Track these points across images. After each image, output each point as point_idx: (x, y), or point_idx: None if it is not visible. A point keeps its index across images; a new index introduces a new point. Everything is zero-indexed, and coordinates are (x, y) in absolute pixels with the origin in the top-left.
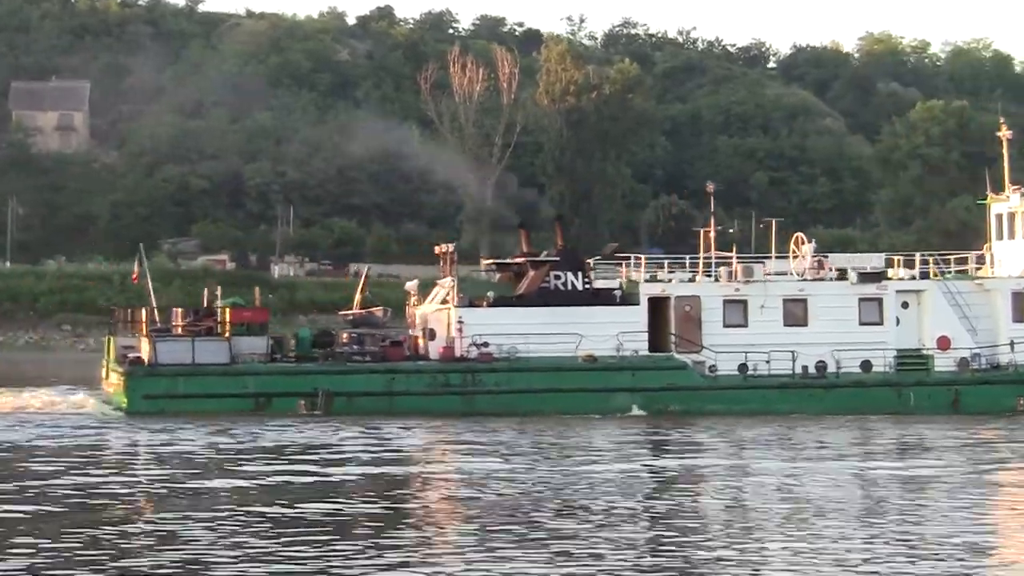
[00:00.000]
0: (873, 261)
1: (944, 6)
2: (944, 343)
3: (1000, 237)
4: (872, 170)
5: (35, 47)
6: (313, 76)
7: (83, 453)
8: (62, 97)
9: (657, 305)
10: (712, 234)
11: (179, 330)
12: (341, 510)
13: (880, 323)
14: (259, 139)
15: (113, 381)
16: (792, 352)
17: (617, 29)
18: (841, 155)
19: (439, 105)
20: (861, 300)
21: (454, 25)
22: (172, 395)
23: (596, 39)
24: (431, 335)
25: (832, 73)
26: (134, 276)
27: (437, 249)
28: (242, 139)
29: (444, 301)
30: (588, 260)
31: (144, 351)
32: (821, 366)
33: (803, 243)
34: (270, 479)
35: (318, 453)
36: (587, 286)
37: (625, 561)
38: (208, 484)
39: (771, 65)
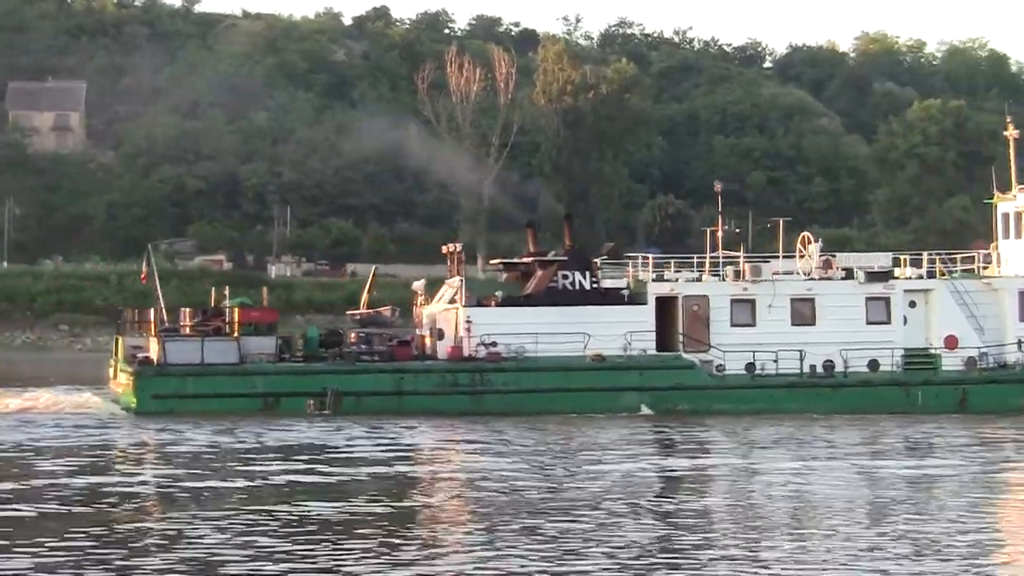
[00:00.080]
0: (880, 260)
1: (940, 6)
2: (951, 342)
3: (1007, 236)
4: (869, 170)
5: (31, 47)
6: (309, 76)
7: (106, 453)
8: (58, 97)
9: (665, 304)
10: (719, 233)
11: (187, 330)
12: (352, 510)
13: (887, 322)
14: (255, 140)
15: (122, 381)
16: (800, 351)
17: (613, 29)
18: (837, 155)
19: (436, 105)
20: (868, 299)
21: (450, 25)
22: (181, 395)
23: (592, 39)
24: (439, 335)
25: (828, 73)
26: (143, 276)
27: (445, 249)
28: (238, 140)
29: (452, 301)
30: (597, 260)
31: (153, 351)
32: (829, 365)
33: (810, 242)
34: (297, 477)
35: (330, 452)
36: (595, 286)
37: (631, 560)
38: (227, 484)
39: (767, 65)
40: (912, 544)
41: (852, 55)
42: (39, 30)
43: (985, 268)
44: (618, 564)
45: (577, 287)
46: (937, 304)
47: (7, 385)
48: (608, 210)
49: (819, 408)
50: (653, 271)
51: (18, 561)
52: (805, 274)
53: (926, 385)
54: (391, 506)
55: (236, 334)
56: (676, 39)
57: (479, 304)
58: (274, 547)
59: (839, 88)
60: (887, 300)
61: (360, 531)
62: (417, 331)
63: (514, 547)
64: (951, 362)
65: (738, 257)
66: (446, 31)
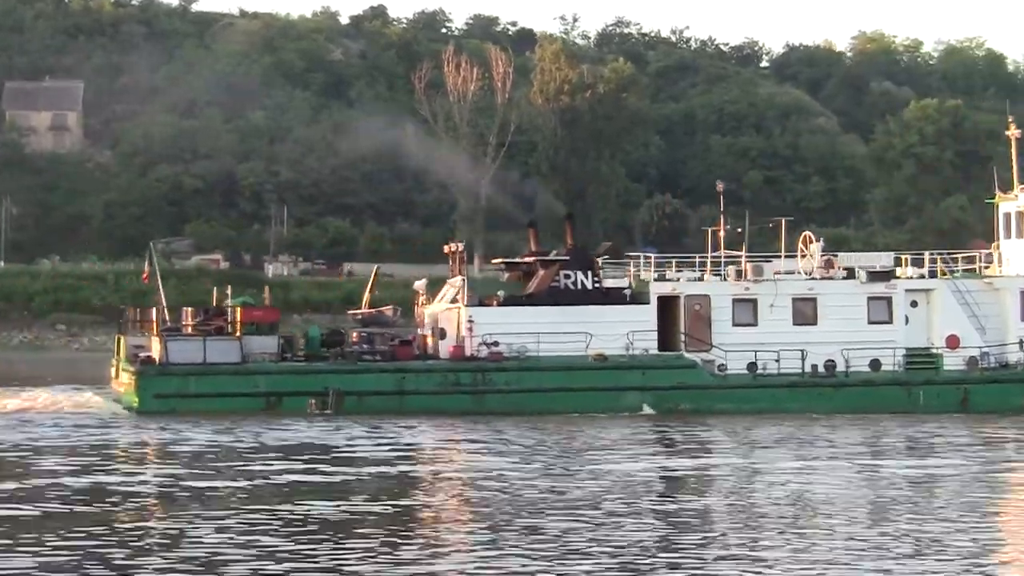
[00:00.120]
0: (882, 260)
1: (937, 5)
2: (953, 342)
3: (1008, 236)
4: (866, 169)
5: (29, 47)
6: (306, 76)
7: (108, 452)
8: (56, 97)
9: (667, 304)
10: (721, 233)
11: (189, 329)
12: (353, 509)
13: (889, 322)
14: (252, 139)
15: (124, 380)
16: (801, 351)
17: (610, 28)
18: (834, 154)
19: (433, 105)
20: (870, 299)
21: (447, 25)
22: (183, 394)
23: (589, 38)
24: (441, 334)
25: (825, 72)
26: (144, 276)
27: (446, 248)
28: (235, 139)
29: (454, 300)
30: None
31: (155, 350)
32: (830, 365)
33: (811, 242)
34: (299, 477)
35: (332, 452)
36: (597, 285)
37: (632, 560)
38: (229, 484)
39: (764, 64)
40: (913, 544)
41: (849, 54)
42: (36, 30)
43: (986, 268)
44: (619, 564)
45: (579, 287)
46: (939, 304)
47: (5, 385)
48: (605, 209)
49: (821, 408)
50: (655, 271)
51: (19, 560)
52: (807, 274)
53: (928, 385)
54: (392, 505)
55: (238, 334)
56: (673, 39)
57: (481, 304)
58: (276, 546)
59: (836, 87)
60: (889, 300)
61: (362, 531)
62: (419, 331)
63: (516, 547)
64: (953, 362)
65: (740, 257)
66: (443, 30)
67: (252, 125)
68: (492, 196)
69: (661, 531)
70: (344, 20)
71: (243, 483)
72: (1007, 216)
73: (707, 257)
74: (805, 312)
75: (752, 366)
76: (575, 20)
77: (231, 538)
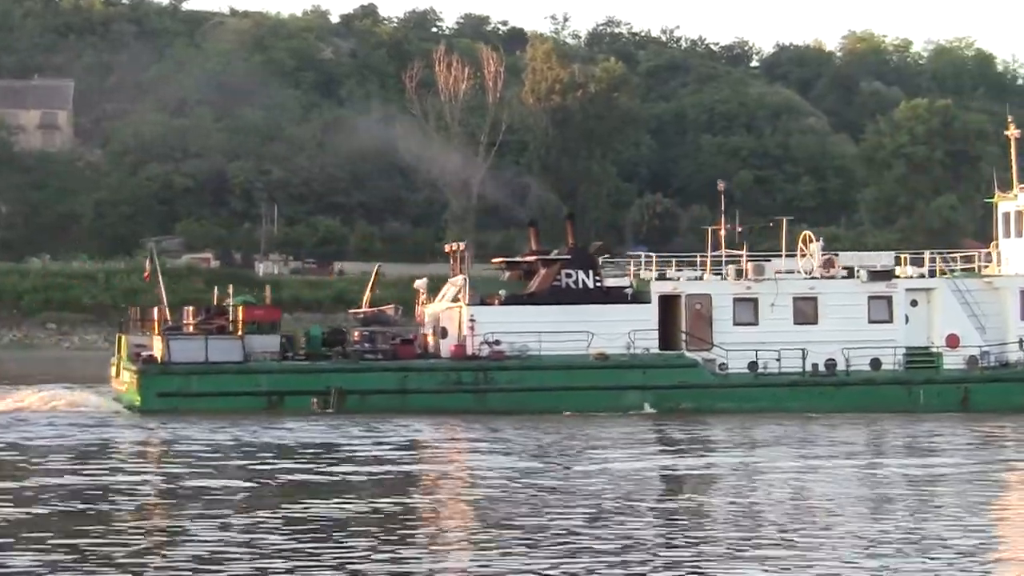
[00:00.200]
0: (882, 260)
1: (926, 5)
2: (953, 341)
3: (1008, 235)
4: (856, 169)
5: (18, 45)
6: (297, 74)
7: (108, 451)
8: (45, 95)
9: (668, 303)
10: (722, 232)
11: (191, 328)
12: (356, 508)
13: (889, 321)
14: (243, 137)
15: (125, 379)
16: (802, 350)
17: (601, 28)
18: (825, 154)
19: (424, 104)
20: (871, 298)
21: (438, 24)
22: (185, 393)
23: (580, 38)
24: (443, 333)
25: (815, 72)
26: (145, 275)
27: (448, 247)
28: (226, 137)
29: (455, 299)
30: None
31: (157, 349)
32: (831, 364)
33: (811, 241)
34: (301, 476)
35: (333, 451)
36: (598, 284)
37: (633, 559)
38: (230, 483)
39: (754, 64)
40: (914, 543)
41: (839, 54)
42: (26, 28)
43: (986, 267)
44: (620, 562)
45: (580, 286)
46: (939, 303)
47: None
48: (596, 209)
49: (821, 407)
50: (655, 270)
51: (20, 560)
52: (807, 273)
53: (928, 384)
54: (394, 504)
55: (240, 332)
56: (663, 38)
57: (482, 303)
58: (277, 545)
59: (826, 87)
60: (889, 299)
61: (364, 529)
62: (420, 329)
63: (518, 545)
64: (953, 361)
65: (740, 256)
66: (434, 29)
67: (243, 123)
68: (485, 195)
69: (661, 530)
70: (335, 19)
71: (245, 482)
72: (1007, 216)
73: (708, 256)
74: (806, 311)
75: (753, 365)
76: (566, 19)
77: (233, 536)
